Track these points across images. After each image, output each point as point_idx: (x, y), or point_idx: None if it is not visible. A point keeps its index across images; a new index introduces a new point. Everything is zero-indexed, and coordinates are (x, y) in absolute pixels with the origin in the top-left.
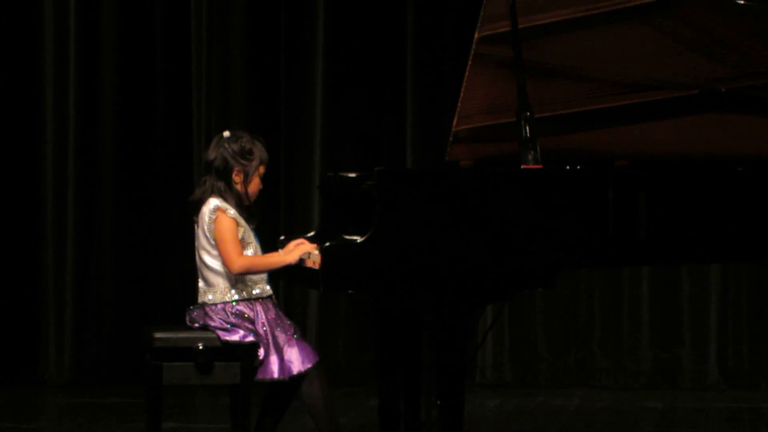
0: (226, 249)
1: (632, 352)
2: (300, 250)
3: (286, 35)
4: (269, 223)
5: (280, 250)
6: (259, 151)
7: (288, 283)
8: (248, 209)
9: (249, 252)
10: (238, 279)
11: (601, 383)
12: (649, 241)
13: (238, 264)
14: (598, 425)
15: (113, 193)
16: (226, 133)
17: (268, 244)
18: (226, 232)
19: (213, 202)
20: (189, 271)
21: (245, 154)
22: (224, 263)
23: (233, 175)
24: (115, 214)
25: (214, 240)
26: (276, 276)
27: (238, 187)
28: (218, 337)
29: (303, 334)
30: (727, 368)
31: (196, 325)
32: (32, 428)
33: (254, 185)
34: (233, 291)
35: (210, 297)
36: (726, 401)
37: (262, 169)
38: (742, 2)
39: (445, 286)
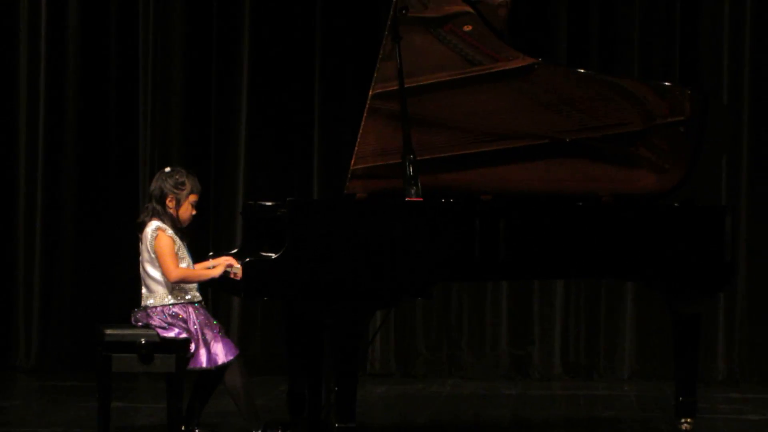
0: (165, 262)
1: (493, 349)
2: (223, 267)
3: (216, 87)
4: (200, 241)
5: (210, 261)
6: (191, 183)
7: (215, 290)
8: (182, 230)
9: (183, 265)
10: (174, 287)
11: (467, 374)
12: (507, 259)
13: (175, 274)
14: (466, 408)
15: (75, 213)
16: (167, 169)
17: (199, 258)
18: (164, 248)
19: (154, 223)
20: (133, 278)
21: (178, 185)
22: (163, 274)
23: (167, 201)
24: (76, 229)
25: (155, 254)
26: (205, 285)
27: (171, 211)
28: (158, 334)
29: (226, 332)
30: (568, 363)
31: (140, 324)
32: (6, 406)
33: (185, 211)
34: (170, 296)
35: (151, 301)
36: (567, 389)
37: (193, 198)
38: (582, 71)
39: (342, 295)
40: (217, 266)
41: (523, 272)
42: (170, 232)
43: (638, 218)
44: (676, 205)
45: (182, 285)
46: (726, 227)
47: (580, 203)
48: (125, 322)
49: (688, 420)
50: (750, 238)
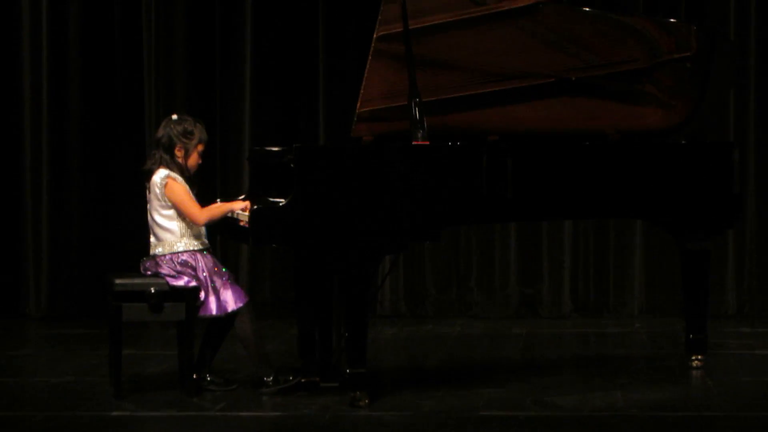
0: (187, 208)
1: (502, 288)
2: (240, 203)
3: (220, 36)
4: (208, 188)
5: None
6: (199, 132)
7: (224, 237)
8: (189, 178)
9: None
10: (182, 234)
11: (476, 314)
12: (515, 200)
13: (202, 217)
14: (476, 348)
15: (80, 159)
16: (174, 116)
17: (207, 205)
18: (182, 194)
19: (162, 172)
20: (139, 226)
21: (187, 134)
22: (190, 219)
23: (176, 150)
24: (83, 177)
25: (168, 203)
26: (214, 232)
27: (180, 160)
28: (167, 283)
29: (236, 279)
30: (577, 300)
31: (149, 273)
32: (17, 355)
33: (193, 160)
34: (179, 244)
35: (160, 249)
36: (577, 327)
37: (200, 147)
38: (587, 9)
39: (351, 240)
40: (235, 202)
41: (532, 213)
42: (180, 179)
43: (645, 155)
44: (683, 142)
45: (191, 232)
46: (734, 163)
47: (587, 141)
48: (134, 270)
49: (699, 357)
50: (758, 173)
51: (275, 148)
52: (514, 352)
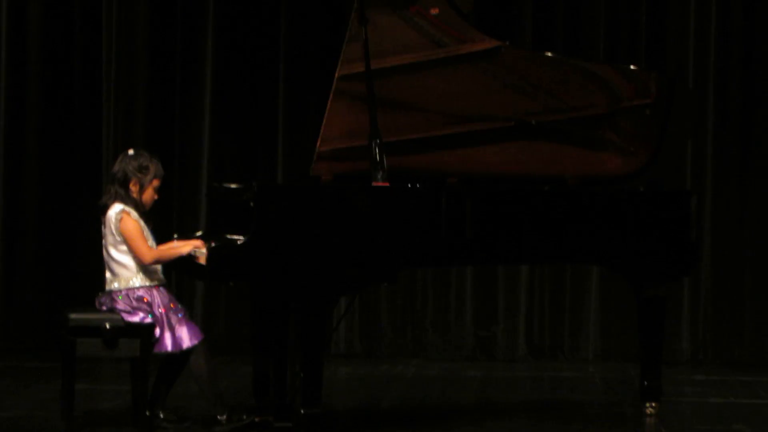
0: (136, 245)
1: (457, 330)
2: (192, 244)
3: (180, 71)
4: (164, 223)
5: (175, 242)
6: (155, 168)
7: (179, 273)
8: (145, 213)
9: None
10: (138, 270)
11: (431, 355)
12: (474, 244)
13: (149, 256)
14: (431, 390)
15: (35, 191)
16: (130, 151)
17: (163, 241)
18: (133, 231)
19: (118, 206)
20: (94, 261)
21: (142, 169)
22: (137, 256)
23: (131, 185)
24: (37, 213)
25: (122, 238)
26: (170, 268)
27: (135, 195)
28: (122, 318)
29: (191, 316)
30: (532, 344)
31: (104, 308)
32: None
33: (148, 195)
34: (135, 279)
35: (116, 285)
36: (531, 371)
37: (156, 182)
38: (548, 54)
39: (308, 280)
40: (186, 244)
41: (490, 257)
42: (135, 214)
43: (604, 202)
44: (641, 189)
45: (147, 268)
46: (691, 211)
47: (547, 186)
48: (88, 304)
49: (653, 404)
50: (715, 221)
51: (234, 185)
52: (468, 395)
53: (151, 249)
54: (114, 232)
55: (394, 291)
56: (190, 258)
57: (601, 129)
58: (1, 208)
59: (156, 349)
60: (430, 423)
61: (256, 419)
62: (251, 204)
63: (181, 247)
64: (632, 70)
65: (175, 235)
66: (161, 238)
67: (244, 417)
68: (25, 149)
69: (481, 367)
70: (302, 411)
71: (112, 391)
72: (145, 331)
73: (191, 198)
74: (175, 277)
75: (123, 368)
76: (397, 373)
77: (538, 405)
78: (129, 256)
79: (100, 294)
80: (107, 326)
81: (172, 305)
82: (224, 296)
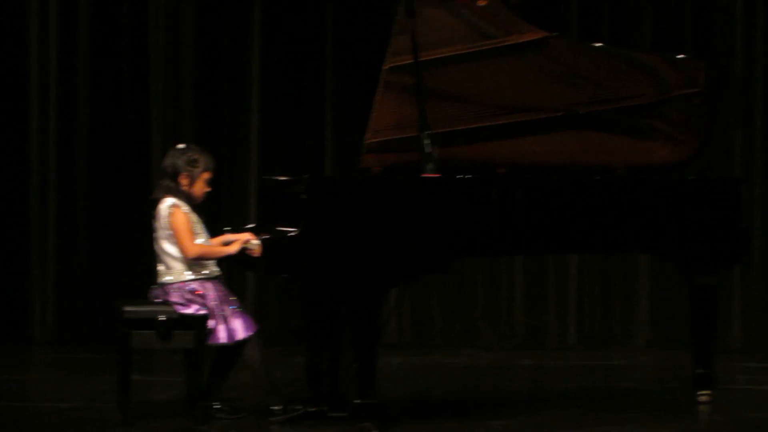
0: (182, 239)
1: (508, 319)
2: (240, 243)
3: (228, 66)
4: (214, 216)
5: (227, 236)
6: (205, 161)
7: (230, 265)
8: (195, 206)
9: (200, 241)
10: (191, 263)
11: (482, 345)
12: (523, 234)
13: (192, 251)
14: (483, 379)
15: (88, 186)
16: (180, 146)
17: (215, 234)
18: (181, 224)
19: (169, 200)
20: (145, 254)
21: (192, 162)
22: (181, 251)
23: (180, 179)
24: (89, 208)
25: (172, 231)
26: (221, 260)
27: (185, 188)
28: (176, 311)
29: (244, 307)
30: (583, 332)
31: (158, 300)
32: (23, 379)
33: (199, 188)
34: (188, 272)
35: (168, 277)
36: (583, 359)
37: (206, 175)
38: (595, 44)
39: (361, 272)
40: (234, 243)
41: (540, 247)
42: (186, 208)
43: (653, 191)
44: (690, 177)
45: (200, 261)
46: (741, 198)
47: (597, 176)
48: (140, 295)
49: (706, 392)
50: (764, 208)
51: (284, 178)
52: (521, 384)
53: (195, 245)
54: (164, 225)
55: (444, 281)
56: (241, 250)
57: (649, 118)
58: (55, 203)
59: (210, 341)
60: (483, 412)
61: (311, 409)
62: (303, 197)
63: (227, 248)
64: (680, 59)
65: (227, 228)
66: (212, 231)
67: (299, 407)
68: (76, 146)
69: (532, 356)
70: (356, 401)
71: (165, 382)
72: (199, 323)
73: (240, 191)
74: (226, 268)
75: (175, 359)
76: (449, 362)
77: (590, 393)
78: None
79: (153, 287)
80: (162, 318)
81: (225, 297)
82: (275, 287)
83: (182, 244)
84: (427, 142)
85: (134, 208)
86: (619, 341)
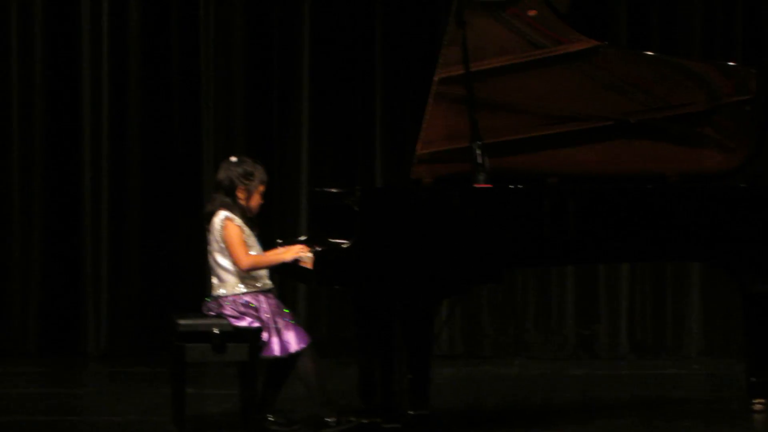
0: (235, 251)
1: (559, 329)
2: (295, 252)
3: (278, 77)
4: (265, 229)
5: (280, 249)
6: (260, 173)
7: (282, 277)
8: (251, 219)
9: (253, 253)
10: (244, 275)
11: (534, 354)
12: (576, 243)
13: (245, 262)
14: (535, 389)
15: (139, 199)
16: (233, 158)
17: (268, 247)
18: (233, 236)
19: (222, 213)
20: (199, 265)
21: (248, 176)
22: (234, 262)
23: (237, 192)
24: (141, 217)
25: (225, 244)
26: (275, 272)
27: (242, 202)
28: (230, 324)
29: (297, 319)
30: (635, 341)
31: (212, 313)
32: (78, 393)
33: (255, 201)
34: (241, 285)
35: (222, 291)
36: (635, 368)
37: (261, 188)
38: (645, 53)
39: (414, 283)
40: (289, 250)
41: (593, 256)
42: (239, 221)
43: (705, 198)
44: (742, 185)
45: (253, 273)
46: None
47: (647, 184)
48: (193, 308)
49: (761, 400)
50: None
51: (336, 189)
52: (573, 393)
53: (248, 255)
54: (218, 239)
55: (494, 291)
56: (294, 262)
57: (700, 126)
58: (107, 217)
59: (264, 354)
60: (536, 422)
61: (364, 421)
62: (355, 208)
63: (282, 254)
64: (731, 66)
65: (279, 240)
66: (264, 244)
67: (352, 419)
68: (128, 158)
69: (583, 366)
70: (410, 412)
71: (218, 395)
72: (252, 335)
73: (291, 203)
74: (278, 280)
75: (228, 372)
76: (500, 372)
77: (643, 403)
78: None
79: (207, 300)
80: (216, 331)
81: (278, 310)
82: (326, 299)
83: (235, 255)
84: (478, 152)
85: (186, 220)
86: (671, 350)
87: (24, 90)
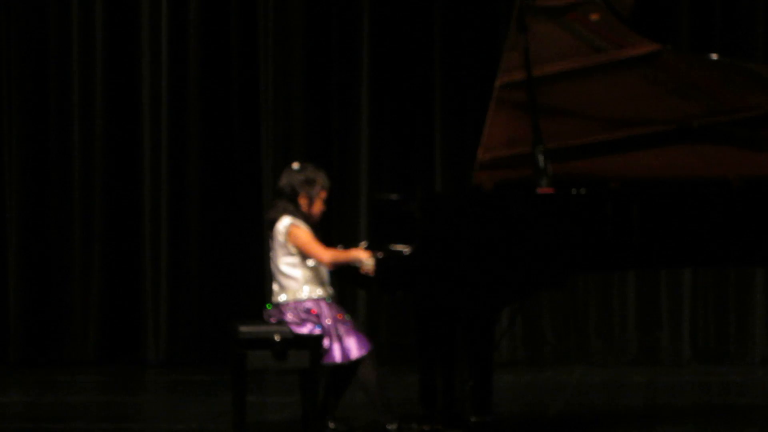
0: (312, 249)
1: (620, 335)
2: (366, 253)
3: (337, 84)
4: (324, 236)
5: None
6: (321, 180)
7: (341, 283)
8: (313, 226)
9: (312, 262)
10: (306, 282)
11: (595, 361)
12: (641, 248)
13: (327, 256)
14: (597, 396)
15: (199, 206)
16: (295, 165)
17: None
18: (304, 237)
19: (286, 219)
20: (255, 273)
21: (310, 182)
22: (316, 259)
23: (299, 199)
24: (201, 224)
25: (295, 250)
26: (335, 279)
27: (304, 209)
28: (291, 330)
29: (358, 326)
30: (697, 348)
31: (273, 320)
32: (137, 402)
33: (317, 207)
34: (302, 292)
35: (283, 297)
36: (698, 375)
37: (323, 194)
38: (708, 56)
39: (476, 289)
40: (360, 251)
41: (657, 261)
42: (303, 225)
43: None
44: None
45: (315, 279)
46: None
47: (712, 188)
48: (252, 317)
49: None
50: None
51: (396, 196)
52: (636, 400)
53: (327, 250)
54: (283, 245)
55: (556, 297)
56: (355, 269)
57: (765, 129)
58: (167, 224)
59: (325, 361)
60: (596, 429)
61: (426, 427)
62: (416, 214)
63: (360, 253)
64: None
65: (340, 245)
66: None
67: (413, 426)
68: (188, 165)
69: (646, 373)
70: (472, 419)
71: (278, 403)
72: (314, 343)
73: (350, 210)
74: (337, 287)
75: (288, 380)
76: (562, 379)
77: (707, 410)
78: (297, 268)
79: (267, 307)
80: (277, 338)
81: (339, 316)
82: (385, 305)
83: (314, 253)
84: (541, 156)
85: (246, 227)
86: (734, 357)
87: (84, 110)
